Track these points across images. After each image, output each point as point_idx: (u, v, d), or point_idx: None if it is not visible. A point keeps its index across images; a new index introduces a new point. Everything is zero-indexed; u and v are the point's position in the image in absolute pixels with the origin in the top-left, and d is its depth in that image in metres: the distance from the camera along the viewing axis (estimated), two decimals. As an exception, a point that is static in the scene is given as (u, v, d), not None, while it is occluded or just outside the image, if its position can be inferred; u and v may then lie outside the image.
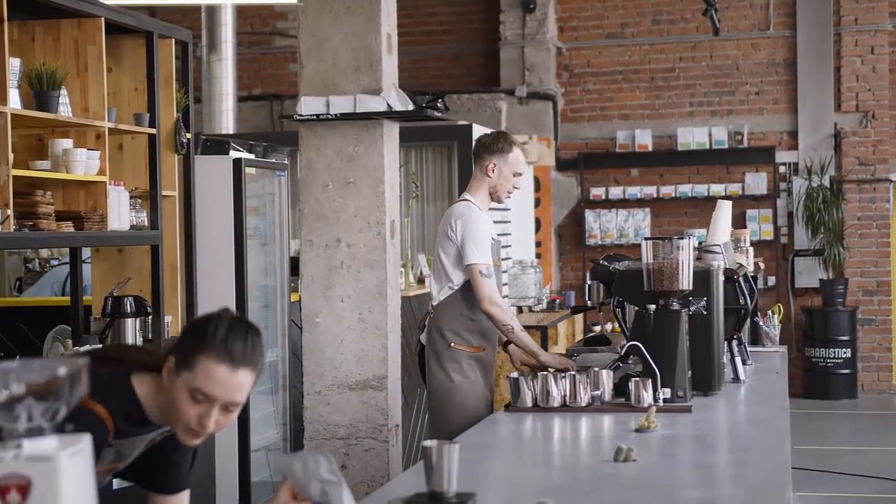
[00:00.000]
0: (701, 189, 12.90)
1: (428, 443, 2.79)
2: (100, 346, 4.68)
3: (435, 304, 5.41)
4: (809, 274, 12.80)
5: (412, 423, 7.73)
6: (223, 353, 2.59)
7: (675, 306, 4.49)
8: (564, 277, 13.34)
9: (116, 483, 4.67)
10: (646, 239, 4.55)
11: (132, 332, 5.55)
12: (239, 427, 6.45)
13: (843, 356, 12.45)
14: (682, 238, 4.51)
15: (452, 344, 5.29)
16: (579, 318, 11.50)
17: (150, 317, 5.72)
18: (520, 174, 5.43)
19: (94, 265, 5.92)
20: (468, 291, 5.26)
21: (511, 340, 5.30)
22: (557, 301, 11.08)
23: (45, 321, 6.11)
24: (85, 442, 1.84)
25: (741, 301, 5.12)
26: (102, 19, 5.33)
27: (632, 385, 4.30)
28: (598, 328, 12.34)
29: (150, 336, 5.74)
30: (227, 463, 6.37)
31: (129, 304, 5.55)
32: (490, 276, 5.19)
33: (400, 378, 6.17)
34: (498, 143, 5.40)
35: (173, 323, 6.00)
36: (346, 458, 5.78)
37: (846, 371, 12.48)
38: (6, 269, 9.13)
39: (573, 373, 4.42)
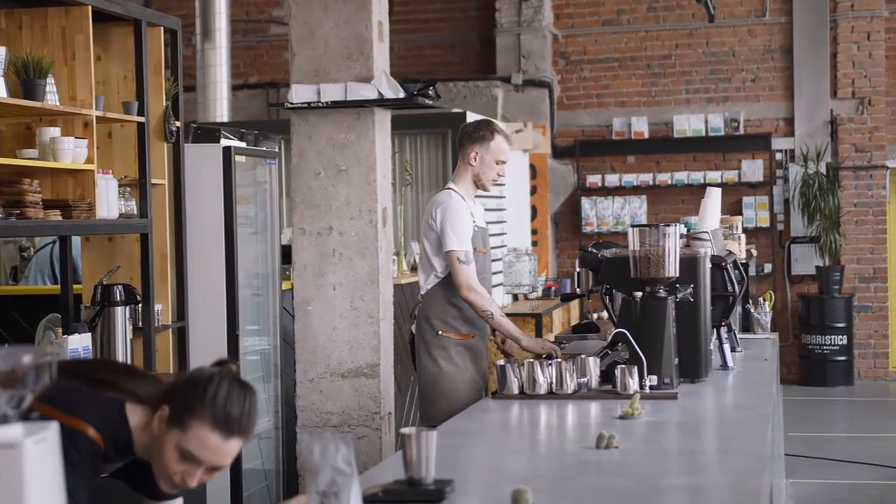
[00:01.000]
0: (697, 176, 12.89)
1: (406, 430, 2.80)
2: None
3: (422, 293, 5.44)
4: (806, 261, 12.80)
5: (405, 410, 7.74)
6: (219, 422, 2.60)
7: (662, 293, 4.50)
8: (561, 265, 13.34)
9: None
10: (632, 226, 4.56)
11: (122, 320, 5.54)
12: (230, 415, 6.45)
13: (840, 343, 12.46)
14: (669, 225, 4.51)
15: (440, 332, 5.31)
16: (575, 305, 11.50)
17: (139, 305, 5.72)
18: (503, 162, 5.42)
19: (83, 253, 5.92)
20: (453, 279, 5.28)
21: (491, 326, 5.32)
22: (553, 289, 11.09)
23: (39, 309, 6.11)
24: (51, 429, 1.84)
25: (729, 288, 5.12)
26: (90, 7, 5.32)
27: (618, 372, 4.31)
28: (594, 316, 12.35)
29: (139, 324, 5.74)
30: (219, 451, 6.37)
31: (118, 293, 5.55)
32: (468, 262, 5.20)
33: (392, 366, 6.17)
34: (479, 131, 5.41)
35: (163, 311, 6.01)
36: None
37: (842, 358, 12.49)
38: (1, 258, 9.12)
39: (559, 360, 4.42)
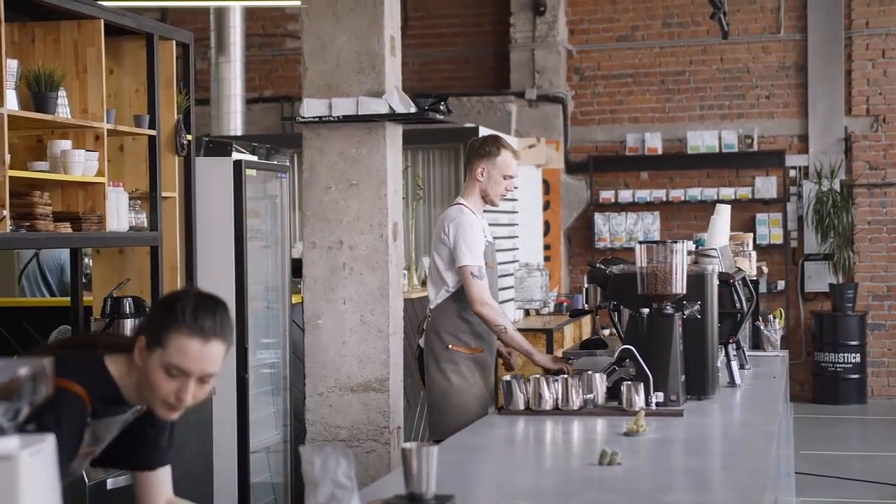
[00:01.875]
0: (710, 193, 12.87)
1: (407, 445, 2.80)
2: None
3: (432, 307, 5.46)
4: (819, 278, 12.77)
5: (414, 425, 7.74)
6: (194, 329, 2.68)
7: (669, 310, 4.49)
8: (574, 280, 13.33)
9: (111, 483, 4.70)
10: (640, 243, 4.56)
11: (131, 332, 5.56)
12: (238, 428, 6.47)
13: (853, 361, 12.41)
14: (677, 242, 4.51)
15: (450, 346, 5.33)
16: (587, 321, 11.48)
17: (149, 318, 5.73)
18: (510, 177, 5.44)
19: (94, 266, 5.94)
20: (464, 293, 5.28)
21: (503, 341, 5.33)
22: (565, 304, 11.07)
23: (49, 321, 6.14)
24: (47, 442, 1.85)
25: (737, 305, 5.11)
26: (102, 21, 5.35)
27: (624, 389, 4.30)
28: (606, 332, 12.33)
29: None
30: (227, 464, 6.39)
31: (128, 305, 5.56)
32: (481, 277, 5.22)
33: (402, 380, 6.17)
34: (486, 146, 5.44)
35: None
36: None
37: (855, 376, 12.44)
38: (14, 270, 9.16)
39: (566, 376, 4.42)
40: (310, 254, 5.87)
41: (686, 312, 4.56)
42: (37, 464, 1.81)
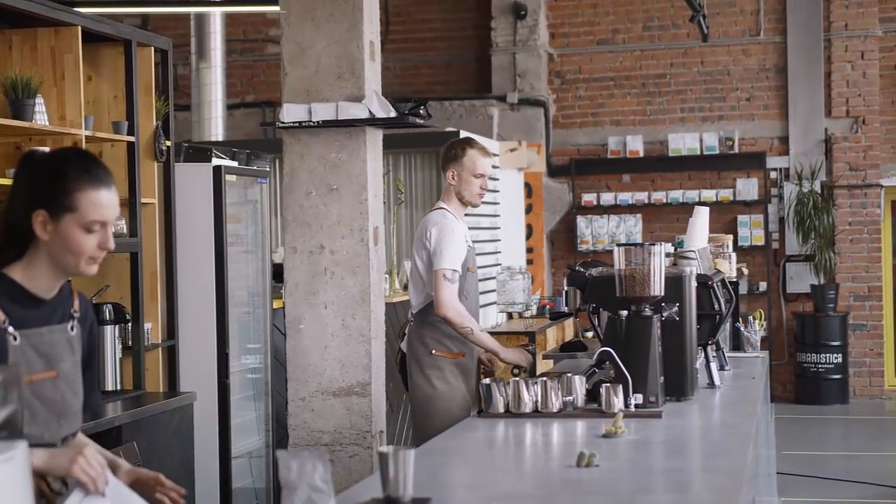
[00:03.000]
0: (692, 195, 12.91)
1: (383, 449, 2.81)
2: None
3: (414, 311, 5.48)
4: (801, 279, 12.81)
5: (396, 429, 7.74)
6: (95, 182, 2.76)
7: (647, 312, 4.50)
8: (557, 283, 13.34)
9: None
10: (618, 245, 4.57)
11: (111, 339, 5.55)
12: (220, 433, 6.46)
13: (835, 361, 12.46)
14: (654, 244, 4.52)
15: (434, 351, 5.34)
16: (570, 323, 11.51)
17: (129, 324, 5.73)
18: (481, 175, 5.47)
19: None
20: None
21: (471, 342, 5.34)
22: (548, 307, 11.09)
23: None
24: (19, 449, 1.85)
25: (716, 307, 5.13)
26: (79, 28, 5.35)
27: (603, 391, 4.31)
28: (590, 334, 12.34)
29: (129, 343, 5.75)
30: (208, 469, 6.38)
31: (108, 312, 5.56)
32: (453, 281, 5.25)
33: (384, 384, 6.18)
34: (451, 150, 5.53)
35: (153, 330, 6.02)
36: (331, 464, 5.79)
37: (837, 376, 12.49)
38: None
39: (545, 379, 4.42)
40: (291, 259, 5.88)
41: (664, 314, 4.58)
42: (8, 470, 1.81)
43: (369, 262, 5.94)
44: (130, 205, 5.77)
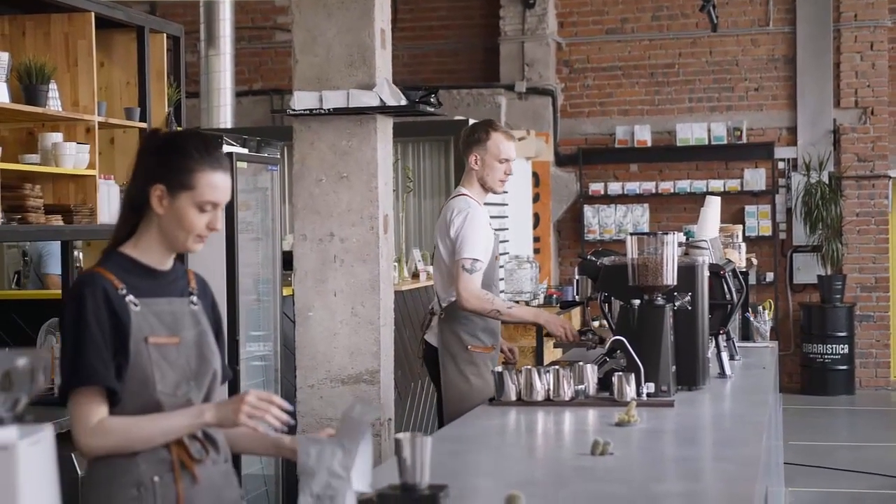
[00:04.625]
0: (700, 185, 12.90)
1: (400, 435, 2.82)
2: None
3: (445, 304, 5.33)
4: (808, 270, 12.81)
5: (405, 417, 7.75)
6: (214, 164, 2.87)
7: (660, 301, 4.50)
8: (563, 273, 13.36)
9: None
10: (631, 234, 4.57)
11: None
12: (229, 420, 6.46)
13: (841, 352, 12.46)
14: (667, 234, 4.52)
15: (469, 346, 5.25)
16: (577, 312, 11.51)
17: (140, 310, 5.73)
18: (506, 160, 5.33)
19: (85, 259, 5.95)
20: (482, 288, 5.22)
21: (505, 322, 5.24)
22: (555, 296, 11.08)
23: (40, 313, 6.13)
24: (45, 432, 1.86)
25: (727, 296, 5.13)
26: (92, 14, 5.35)
27: (615, 380, 4.31)
28: (595, 323, 12.34)
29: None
30: (219, 456, 6.39)
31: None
32: (472, 271, 5.15)
33: (392, 372, 6.18)
34: (475, 133, 5.35)
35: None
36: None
37: (844, 367, 12.50)
38: (4, 263, 9.15)
39: (557, 368, 4.42)
40: (300, 246, 5.88)
41: (677, 304, 4.57)
42: (35, 453, 1.82)
43: (379, 250, 5.94)
44: (142, 191, 5.77)
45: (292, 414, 6.07)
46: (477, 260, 5.18)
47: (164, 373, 2.85)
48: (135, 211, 2.91)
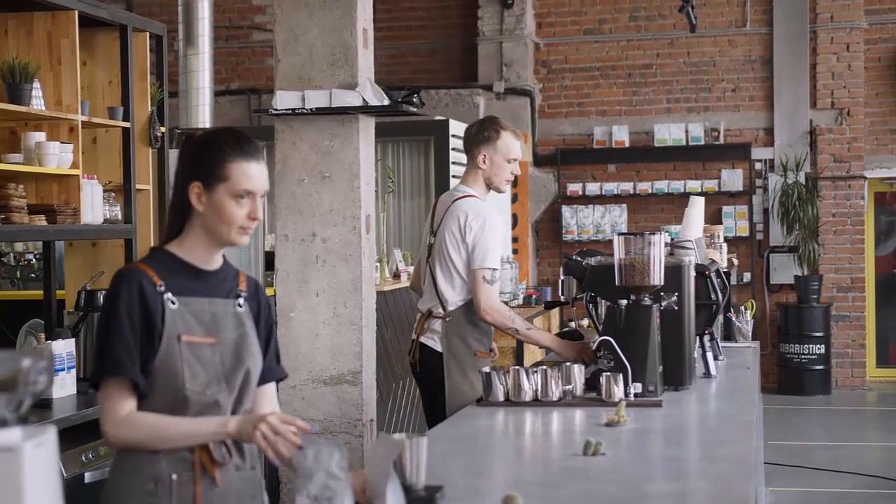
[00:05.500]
0: (677, 185, 12.94)
1: (397, 436, 2.81)
2: None
3: (450, 308, 5.16)
4: (784, 270, 12.87)
5: (387, 417, 7.74)
6: (246, 155, 2.92)
7: (647, 301, 4.51)
8: (541, 273, 13.38)
9: (88, 476, 4.68)
10: (618, 234, 4.57)
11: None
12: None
13: (818, 352, 12.53)
14: (654, 234, 4.52)
15: (477, 353, 5.14)
16: (555, 313, 11.52)
17: (123, 310, 5.69)
18: (514, 159, 5.18)
19: (67, 259, 5.90)
20: None
21: (520, 341, 5.10)
22: (534, 297, 11.08)
23: (20, 315, 6.09)
24: (49, 434, 1.84)
25: (713, 297, 5.14)
26: (76, 12, 5.31)
27: (603, 380, 4.32)
28: (573, 323, 12.36)
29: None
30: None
31: (101, 298, 5.52)
32: (492, 282, 5.01)
33: (375, 373, 6.17)
34: (484, 131, 5.18)
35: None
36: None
37: (820, 367, 12.56)
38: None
39: (545, 368, 4.41)
40: (282, 246, 5.86)
41: (663, 304, 4.58)
42: (40, 455, 1.80)
43: (361, 250, 5.93)
44: (125, 191, 5.74)
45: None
46: (496, 270, 5.05)
47: (195, 371, 2.89)
48: (179, 213, 2.96)
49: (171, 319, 2.88)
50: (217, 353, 2.94)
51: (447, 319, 5.16)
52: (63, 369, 4.96)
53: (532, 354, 9.20)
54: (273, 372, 3.11)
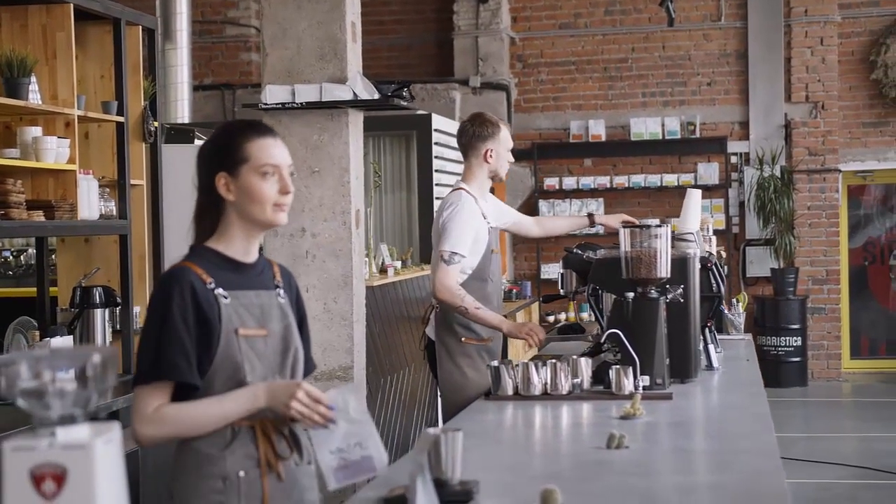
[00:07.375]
0: (654, 179, 12.98)
1: (432, 430, 2.79)
2: None
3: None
4: (760, 263, 12.93)
5: (376, 413, 7.71)
6: (261, 133, 2.95)
7: (654, 294, 4.51)
8: (518, 268, 13.38)
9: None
10: (624, 226, 4.56)
11: (101, 322, 5.47)
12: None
13: (794, 344, 12.60)
14: (660, 226, 4.52)
15: (463, 339, 5.24)
16: (535, 307, 11.54)
17: (118, 307, 5.65)
18: (511, 148, 5.48)
19: (59, 255, 5.84)
20: (474, 282, 5.19)
21: (471, 321, 5.19)
22: (514, 291, 11.11)
23: (10, 312, 6.02)
24: (115, 430, 1.82)
25: (714, 288, 5.15)
26: (71, 5, 5.25)
27: (612, 373, 4.31)
28: (551, 318, 12.39)
29: (118, 327, 5.67)
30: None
31: (98, 295, 5.48)
32: (449, 263, 5.11)
33: (364, 368, 6.15)
34: (486, 128, 5.36)
35: (141, 313, 5.94)
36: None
37: (796, 359, 12.64)
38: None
39: (554, 361, 4.40)
40: (272, 241, 5.84)
41: (669, 296, 4.58)
42: (109, 451, 1.79)
43: (351, 245, 5.91)
44: (120, 186, 5.68)
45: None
46: (456, 253, 5.14)
47: (253, 364, 2.87)
48: (211, 210, 2.95)
49: (226, 315, 2.87)
50: (269, 345, 2.93)
51: (437, 309, 5.27)
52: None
53: (516, 349, 9.20)
54: (307, 364, 3.09)
